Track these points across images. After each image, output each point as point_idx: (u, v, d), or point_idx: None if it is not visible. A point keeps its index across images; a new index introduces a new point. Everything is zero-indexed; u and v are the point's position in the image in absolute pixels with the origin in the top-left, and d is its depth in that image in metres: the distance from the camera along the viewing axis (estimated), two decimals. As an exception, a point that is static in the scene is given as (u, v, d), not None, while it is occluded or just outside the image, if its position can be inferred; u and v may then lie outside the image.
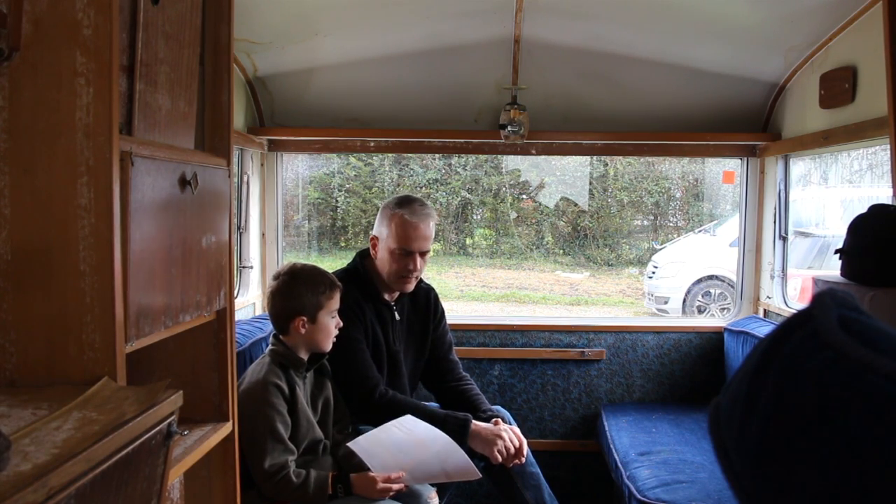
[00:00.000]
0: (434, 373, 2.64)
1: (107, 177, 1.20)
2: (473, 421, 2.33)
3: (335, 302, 2.20)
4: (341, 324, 2.23)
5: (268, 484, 2.00)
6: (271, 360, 2.13)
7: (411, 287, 2.49)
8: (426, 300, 2.62)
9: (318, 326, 2.16)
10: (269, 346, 2.21)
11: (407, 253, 2.42)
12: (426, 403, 2.52)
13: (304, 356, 2.19)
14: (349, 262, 2.59)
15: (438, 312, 2.65)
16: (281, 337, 2.19)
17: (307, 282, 2.16)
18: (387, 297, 2.51)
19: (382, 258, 2.46)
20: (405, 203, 2.46)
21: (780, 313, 3.07)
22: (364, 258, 2.54)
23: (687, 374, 3.23)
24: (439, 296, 2.71)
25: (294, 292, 2.15)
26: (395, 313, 2.52)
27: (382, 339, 2.46)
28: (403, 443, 2.13)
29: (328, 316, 2.17)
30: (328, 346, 2.21)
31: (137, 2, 1.38)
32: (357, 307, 2.40)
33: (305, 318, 2.14)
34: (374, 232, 2.51)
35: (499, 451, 2.28)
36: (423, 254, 2.45)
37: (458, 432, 2.26)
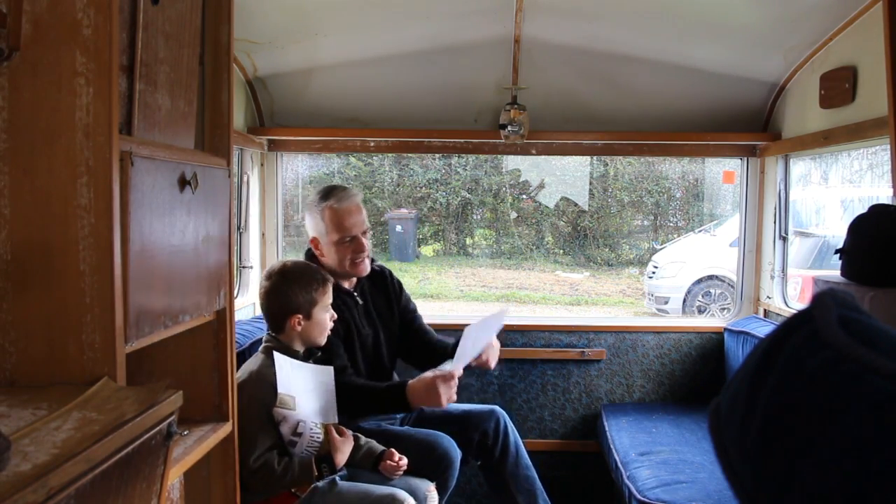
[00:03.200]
0: (408, 342, 2.65)
1: (107, 177, 1.20)
2: (409, 382, 2.29)
3: (328, 296, 2.22)
4: (336, 316, 2.26)
5: (252, 477, 2.01)
6: (265, 356, 2.15)
7: (366, 268, 2.49)
8: (382, 278, 2.63)
9: (314, 322, 2.19)
10: (264, 343, 2.22)
11: (351, 238, 2.43)
12: (369, 382, 2.44)
13: (300, 349, 2.21)
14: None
15: (397, 286, 2.67)
16: (277, 335, 2.21)
17: (299, 280, 2.18)
18: (346, 285, 2.51)
19: (329, 253, 2.45)
20: (328, 194, 2.46)
21: (780, 313, 3.07)
22: (313, 255, 2.53)
23: (687, 374, 3.23)
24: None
25: (288, 291, 2.18)
26: (358, 299, 2.52)
27: (353, 325, 2.46)
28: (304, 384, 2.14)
29: (322, 311, 2.20)
30: (323, 340, 2.23)
31: (137, 2, 1.38)
32: None
33: (301, 316, 2.16)
34: (312, 233, 2.49)
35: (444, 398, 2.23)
36: (363, 233, 2.46)
37: (399, 398, 2.28)
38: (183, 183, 1.47)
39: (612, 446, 2.80)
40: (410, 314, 2.68)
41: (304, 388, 2.12)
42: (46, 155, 1.20)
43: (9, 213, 1.20)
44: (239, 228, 3.00)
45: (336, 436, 2.10)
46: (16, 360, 1.22)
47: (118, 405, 1.10)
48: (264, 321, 2.28)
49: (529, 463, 2.50)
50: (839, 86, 2.48)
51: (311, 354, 2.25)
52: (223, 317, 1.76)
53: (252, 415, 2.02)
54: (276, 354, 2.11)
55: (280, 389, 2.07)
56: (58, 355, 1.22)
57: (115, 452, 1.00)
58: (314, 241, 2.49)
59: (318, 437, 2.09)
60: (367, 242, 2.48)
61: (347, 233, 2.42)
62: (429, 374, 2.28)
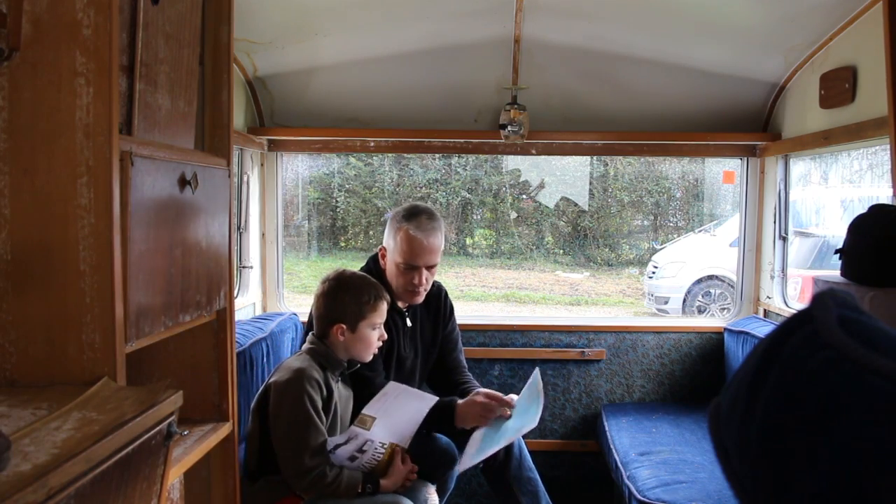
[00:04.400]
0: (436, 370, 2.62)
1: (107, 177, 1.20)
2: (459, 401, 2.32)
3: (379, 315, 2.16)
4: (385, 336, 2.21)
5: (303, 480, 1.99)
6: (311, 358, 2.11)
7: (419, 300, 2.45)
8: (437, 301, 2.59)
9: (358, 336, 2.14)
10: (308, 345, 2.18)
11: (412, 267, 2.38)
12: None
13: (344, 357, 2.18)
14: (363, 265, 2.55)
15: (448, 310, 2.63)
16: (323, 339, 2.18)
17: (352, 290, 2.15)
18: (400, 303, 2.47)
19: (390, 270, 2.43)
20: (412, 216, 2.40)
21: (780, 313, 3.07)
22: (378, 263, 2.50)
23: (687, 374, 3.23)
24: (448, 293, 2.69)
25: (337, 299, 2.14)
26: (408, 320, 2.49)
27: (396, 347, 2.44)
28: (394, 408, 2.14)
29: (369, 328, 2.15)
30: (367, 357, 2.19)
31: (137, 2, 1.38)
32: None
33: (345, 327, 2.12)
34: (384, 242, 2.47)
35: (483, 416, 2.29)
36: (430, 267, 2.41)
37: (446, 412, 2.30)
38: (183, 183, 1.47)
39: (612, 446, 2.80)
40: (450, 344, 2.63)
41: (393, 412, 2.10)
42: (46, 155, 1.20)
43: (9, 213, 1.20)
44: (239, 228, 3.00)
45: (400, 463, 2.08)
46: (16, 360, 1.22)
47: (118, 405, 1.10)
48: (281, 325, 2.23)
49: (532, 465, 2.50)
50: (839, 86, 2.48)
51: (352, 366, 2.22)
52: (223, 317, 1.76)
53: (302, 413, 1.99)
54: (393, 383, 2.13)
55: (366, 410, 2.06)
56: (58, 355, 1.22)
57: (115, 452, 1.00)
58: (383, 249, 2.47)
59: (379, 457, 2.07)
60: (430, 276, 2.41)
61: (411, 262, 2.36)
62: (479, 397, 2.32)
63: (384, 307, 2.18)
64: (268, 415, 2.05)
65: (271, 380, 2.10)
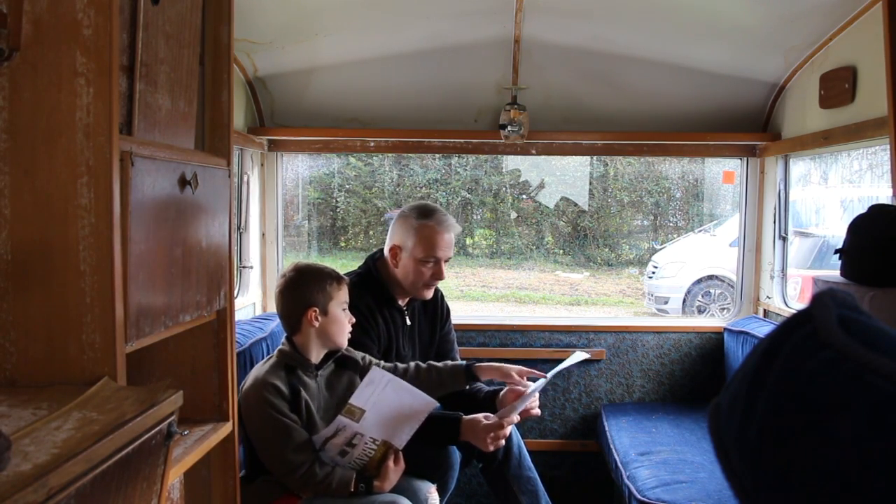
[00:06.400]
0: None
1: (107, 177, 1.20)
2: (464, 417, 2.27)
3: (344, 293, 2.18)
4: (353, 319, 2.21)
5: (292, 476, 2.00)
6: (276, 361, 2.11)
7: (430, 294, 2.49)
8: (434, 301, 2.60)
9: (331, 318, 2.14)
10: (280, 346, 2.17)
11: (436, 262, 2.42)
12: None
13: (317, 356, 2.16)
14: (360, 265, 2.55)
15: (445, 312, 2.65)
16: (293, 338, 2.17)
17: (313, 276, 2.16)
18: (400, 302, 2.49)
19: (406, 267, 2.43)
20: (429, 213, 2.45)
21: (780, 313, 3.07)
22: (377, 262, 2.51)
23: (687, 374, 3.23)
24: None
25: (302, 286, 2.15)
26: (407, 318, 2.50)
27: (394, 345, 2.45)
28: (390, 405, 2.09)
29: (339, 307, 2.16)
30: (344, 341, 2.18)
31: (137, 2, 1.38)
32: (369, 314, 2.37)
33: (317, 310, 2.12)
34: (397, 241, 2.45)
35: (491, 444, 2.23)
36: (446, 261, 2.46)
37: (450, 431, 2.25)
38: (183, 183, 1.47)
39: (612, 446, 2.80)
40: (448, 345, 2.64)
41: (386, 406, 2.06)
42: (47, 155, 1.20)
43: (9, 213, 1.20)
44: (239, 228, 3.00)
45: (391, 463, 2.07)
46: (16, 360, 1.22)
47: (118, 405, 1.10)
48: (281, 325, 2.22)
49: (531, 464, 2.50)
50: (839, 86, 2.48)
51: (332, 356, 2.20)
52: (223, 317, 1.76)
53: (268, 420, 2.00)
54: (376, 369, 2.09)
55: (353, 400, 2.04)
56: (58, 355, 1.22)
57: (115, 452, 1.00)
58: (395, 248, 2.45)
59: (371, 452, 2.05)
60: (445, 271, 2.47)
61: (435, 255, 2.41)
62: (480, 417, 2.25)
63: (346, 287, 2.20)
64: None
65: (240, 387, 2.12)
